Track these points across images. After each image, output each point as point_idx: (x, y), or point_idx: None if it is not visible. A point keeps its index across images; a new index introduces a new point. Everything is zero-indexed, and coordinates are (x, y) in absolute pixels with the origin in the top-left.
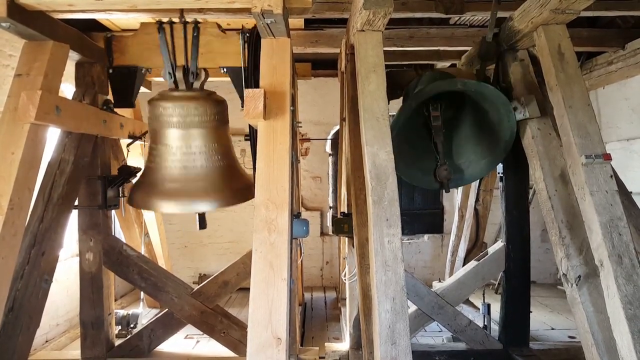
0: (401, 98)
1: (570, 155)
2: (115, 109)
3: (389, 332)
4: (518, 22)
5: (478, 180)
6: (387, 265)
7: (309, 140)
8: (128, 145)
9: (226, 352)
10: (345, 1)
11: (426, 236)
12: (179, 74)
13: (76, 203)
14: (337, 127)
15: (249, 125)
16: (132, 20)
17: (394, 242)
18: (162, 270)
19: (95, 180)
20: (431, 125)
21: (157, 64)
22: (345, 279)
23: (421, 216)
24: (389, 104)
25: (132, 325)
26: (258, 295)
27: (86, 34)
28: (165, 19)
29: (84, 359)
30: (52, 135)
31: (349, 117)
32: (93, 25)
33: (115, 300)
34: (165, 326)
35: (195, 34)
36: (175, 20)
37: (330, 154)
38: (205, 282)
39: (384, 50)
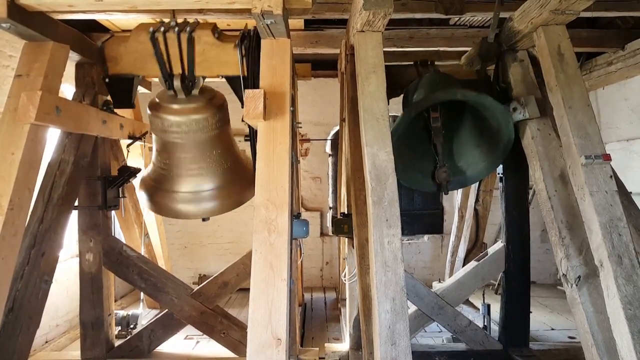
0: (401, 98)
1: (570, 155)
2: (115, 110)
3: (389, 333)
4: (518, 23)
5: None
6: (387, 265)
7: (308, 140)
8: (128, 145)
9: (226, 352)
10: (345, 2)
11: (426, 237)
12: (177, 82)
13: (76, 203)
14: (337, 128)
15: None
16: (132, 20)
17: (394, 243)
18: (162, 271)
19: (95, 181)
20: (431, 127)
21: (152, 72)
22: (345, 280)
23: (421, 217)
24: (388, 103)
25: (132, 326)
26: (258, 296)
27: (86, 35)
28: (158, 26)
29: (84, 359)
30: (52, 136)
31: (348, 117)
32: (93, 26)
33: (115, 300)
34: (165, 327)
35: (190, 43)
36: (170, 26)
37: (330, 155)
38: (205, 282)
39: (384, 51)
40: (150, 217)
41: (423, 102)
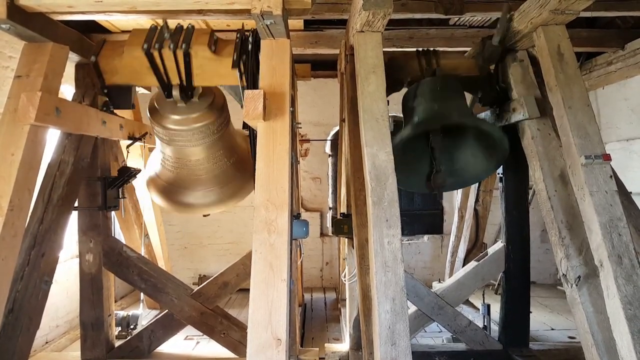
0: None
1: (570, 155)
2: (115, 110)
3: (389, 333)
4: (517, 23)
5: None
6: (387, 266)
7: (308, 141)
8: (128, 146)
9: (226, 353)
10: (345, 2)
11: (426, 237)
12: (176, 91)
13: (76, 204)
14: (337, 128)
15: (249, 126)
16: (131, 21)
17: (394, 243)
18: (162, 272)
19: (95, 182)
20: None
21: (150, 82)
22: (345, 280)
23: (421, 217)
24: (388, 103)
25: (132, 327)
26: (258, 296)
27: (86, 36)
28: (151, 41)
29: None
30: (52, 137)
31: (348, 118)
32: (93, 27)
33: (115, 301)
34: (165, 327)
35: (187, 58)
36: (164, 38)
37: (329, 155)
38: (205, 283)
39: (384, 51)
40: (150, 218)
41: (421, 125)
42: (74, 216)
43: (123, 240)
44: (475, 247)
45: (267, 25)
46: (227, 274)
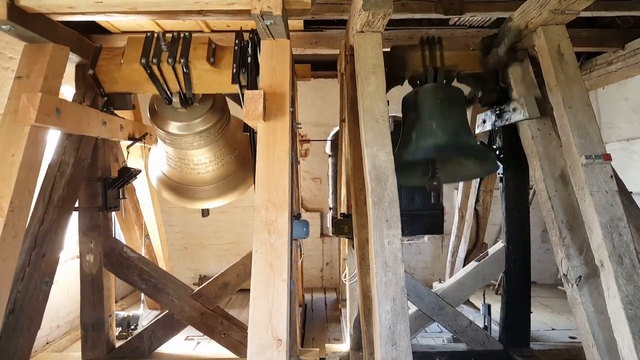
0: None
1: (570, 155)
2: (115, 111)
3: (390, 333)
4: (518, 23)
5: (478, 181)
6: (387, 266)
7: (308, 141)
8: (128, 146)
9: (227, 353)
10: (345, 2)
11: (426, 237)
12: (176, 98)
13: (76, 205)
14: (337, 128)
15: (249, 127)
16: (131, 22)
17: (394, 243)
18: (163, 272)
19: (96, 182)
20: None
21: (150, 90)
22: (345, 280)
23: (421, 217)
24: (388, 104)
25: (132, 327)
26: (258, 297)
27: (86, 36)
28: (149, 54)
29: None
30: (53, 137)
31: (348, 118)
32: (93, 28)
33: (116, 301)
34: (166, 328)
35: (185, 69)
36: (162, 50)
37: (330, 155)
38: (206, 283)
39: (383, 52)
40: (150, 218)
41: (420, 153)
42: (74, 217)
43: (123, 241)
44: (476, 247)
45: (267, 25)
46: (227, 274)
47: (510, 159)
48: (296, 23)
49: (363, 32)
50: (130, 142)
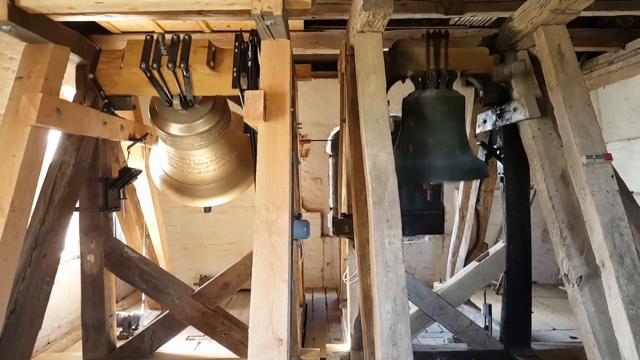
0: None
1: (571, 155)
2: (116, 111)
3: (390, 333)
4: (518, 23)
5: (479, 181)
6: (388, 266)
7: (309, 141)
8: (129, 147)
9: (227, 353)
10: (345, 2)
11: (427, 237)
12: (176, 100)
13: (77, 205)
14: (337, 128)
15: (250, 127)
16: (131, 22)
17: (395, 243)
18: (163, 272)
19: (96, 182)
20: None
21: (150, 93)
22: (346, 280)
23: (422, 217)
24: (389, 103)
25: (133, 327)
26: (259, 297)
27: (86, 37)
28: (149, 59)
29: None
30: (53, 138)
31: (349, 118)
32: (93, 28)
33: (117, 302)
34: (167, 328)
35: (186, 73)
36: (162, 54)
37: (330, 155)
38: (206, 283)
39: (384, 52)
40: (151, 219)
41: (415, 171)
42: (75, 217)
43: (124, 241)
44: (477, 247)
45: (267, 25)
46: (228, 274)
47: (510, 158)
48: (296, 23)
49: (363, 32)
50: (130, 143)
